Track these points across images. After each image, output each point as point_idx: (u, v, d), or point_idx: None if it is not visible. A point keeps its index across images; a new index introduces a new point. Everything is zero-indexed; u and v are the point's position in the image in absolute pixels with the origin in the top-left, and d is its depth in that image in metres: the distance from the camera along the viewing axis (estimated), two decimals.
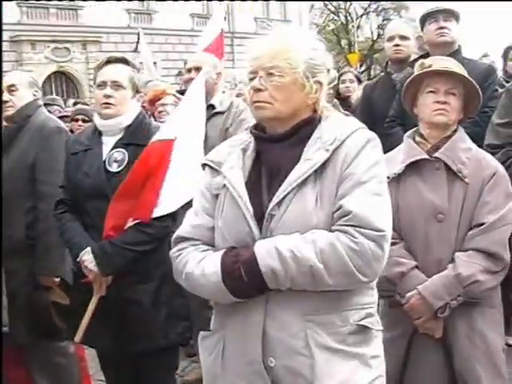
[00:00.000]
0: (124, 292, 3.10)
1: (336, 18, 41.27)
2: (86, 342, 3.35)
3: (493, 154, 3.18)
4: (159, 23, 31.42)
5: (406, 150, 2.95)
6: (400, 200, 2.88)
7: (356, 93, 6.37)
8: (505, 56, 5.68)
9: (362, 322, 2.10)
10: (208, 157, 2.31)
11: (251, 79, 2.16)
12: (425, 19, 4.55)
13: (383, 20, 38.26)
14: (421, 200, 2.85)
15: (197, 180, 2.40)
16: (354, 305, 2.10)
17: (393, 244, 2.71)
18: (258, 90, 2.13)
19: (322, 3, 40.52)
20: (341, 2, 40.29)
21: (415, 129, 3.02)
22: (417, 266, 2.83)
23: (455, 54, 4.35)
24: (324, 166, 2.07)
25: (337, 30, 40.59)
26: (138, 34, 16.01)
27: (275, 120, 2.16)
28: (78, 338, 3.17)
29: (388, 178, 2.79)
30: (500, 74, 5.87)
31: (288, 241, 2.00)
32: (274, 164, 2.15)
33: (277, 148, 2.15)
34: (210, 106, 4.39)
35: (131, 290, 3.12)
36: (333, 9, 40.95)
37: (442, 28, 4.38)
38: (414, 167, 2.89)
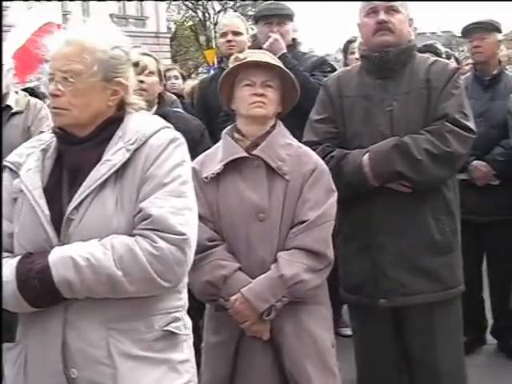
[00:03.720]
0: None
1: (194, 14, 41.24)
2: None
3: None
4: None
5: (225, 148, 2.88)
6: (220, 200, 2.83)
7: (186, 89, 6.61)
8: (345, 50, 5.75)
9: (168, 328, 2.06)
10: (8, 158, 2.17)
11: (50, 80, 2.05)
12: (259, 18, 4.53)
13: (254, 17, 38.45)
14: (241, 199, 2.79)
15: None
16: (160, 310, 2.05)
17: (215, 246, 2.70)
18: (55, 96, 2.03)
19: None
20: None
21: (234, 125, 2.95)
22: (240, 268, 2.77)
23: (290, 48, 4.38)
24: (125, 166, 2.00)
25: (195, 26, 40.57)
26: None
27: (75, 126, 2.07)
28: None
29: (206, 178, 2.74)
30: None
31: (84, 248, 1.92)
32: (74, 166, 2.06)
33: (78, 149, 2.06)
34: (7, 107, 4.31)
35: None
36: (190, 5, 40.85)
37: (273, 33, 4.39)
38: (233, 166, 2.82)
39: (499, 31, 4.63)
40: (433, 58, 3.32)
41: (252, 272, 2.75)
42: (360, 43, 4.25)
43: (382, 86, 3.17)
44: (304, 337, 2.79)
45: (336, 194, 2.87)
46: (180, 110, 4.38)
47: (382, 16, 3.14)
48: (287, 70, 2.90)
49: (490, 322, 4.79)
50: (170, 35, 37.93)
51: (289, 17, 4.50)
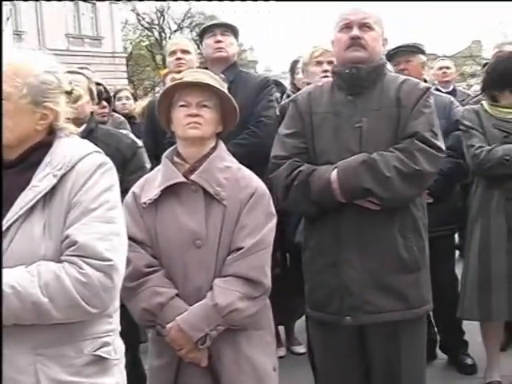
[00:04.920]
0: None
1: (150, 33, 41.22)
2: None
3: (279, 165, 3.20)
4: (33, 44, 29.95)
5: (164, 173, 2.84)
6: (158, 226, 2.79)
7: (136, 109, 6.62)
8: (291, 70, 5.82)
9: (97, 352, 2.04)
10: None
11: None
12: (203, 33, 4.55)
13: (197, 35, 38.58)
14: (178, 225, 2.75)
15: None
16: (89, 335, 2.03)
17: (153, 272, 2.68)
18: None
19: (135, 19, 40.37)
20: (154, 18, 40.34)
21: (174, 147, 2.92)
22: (178, 294, 2.74)
23: (232, 67, 4.39)
24: (53, 192, 1.99)
25: (151, 46, 40.51)
26: None
27: (5, 147, 2.04)
28: None
29: (145, 203, 2.72)
30: (289, 87, 6.02)
31: (10, 275, 1.88)
32: (4, 192, 2.00)
33: (7, 174, 2.03)
34: None
35: None
36: (146, 25, 40.84)
37: (218, 42, 4.40)
38: (171, 191, 2.79)
39: (423, 53, 4.76)
40: (403, 77, 3.31)
41: (188, 299, 2.72)
42: (303, 63, 4.32)
43: (352, 102, 3.16)
44: (243, 363, 2.77)
45: (275, 217, 2.85)
46: (112, 129, 4.34)
47: (356, 32, 3.15)
48: (224, 90, 2.87)
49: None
50: (126, 55, 37.91)
51: (232, 29, 4.52)
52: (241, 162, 2.96)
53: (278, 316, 3.63)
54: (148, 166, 4.07)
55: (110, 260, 1.94)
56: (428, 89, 3.25)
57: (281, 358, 4.73)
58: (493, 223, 4.08)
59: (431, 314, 4.29)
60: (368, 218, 3.08)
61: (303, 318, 4.37)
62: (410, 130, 3.09)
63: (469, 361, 4.68)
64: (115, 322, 2.14)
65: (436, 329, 4.78)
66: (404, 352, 3.17)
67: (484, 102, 4.18)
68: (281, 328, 5.14)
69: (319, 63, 4.25)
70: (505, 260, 4.02)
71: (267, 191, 2.88)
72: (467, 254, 4.26)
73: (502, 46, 5.98)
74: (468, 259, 4.23)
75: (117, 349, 2.13)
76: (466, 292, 4.20)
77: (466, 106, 4.33)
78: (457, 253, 6.11)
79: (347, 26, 3.18)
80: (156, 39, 40.72)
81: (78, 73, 3.74)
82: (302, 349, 4.98)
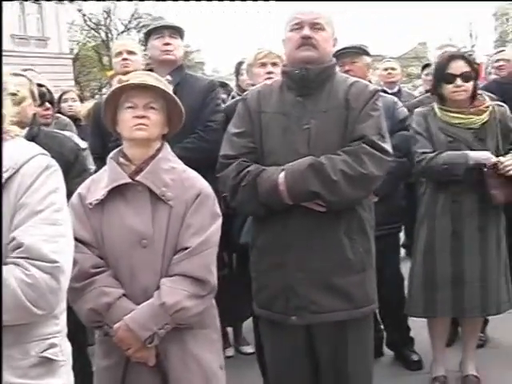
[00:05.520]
0: None
1: (96, 34, 40.81)
2: None
3: (228, 164, 3.21)
4: None
5: (110, 174, 2.84)
6: (104, 226, 2.79)
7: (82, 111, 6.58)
8: (236, 71, 5.85)
9: (44, 354, 2.03)
10: None
11: None
12: (150, 34, 4.53)
13: (145, 35, 38.32)
14: (124, 226, 2.75)
15: None
16: (35, 336, 2.02)
17: (100, 273, 2.67)
18: None
19: (82, 19, 39.93)
20: (101, 19, 39.97)
21: (119, 149, 2.92)
22: (125, 294, 2.73)
23: (178, 70, 4.38)
24: None
25: (97, 47, 40.10)
26: None
27: None
28: None
29: (91, 204, 2.71)
30: (235, 89, 6.04)
31: None
32: None
33: None
34: None
35: None
36: (93, 25, 40.42)
37: (167, 44, 4.38)
38: (117, 191, 2.79)
39: (368, 54, 4.83)
40: (353, 79, 3.33)
41: (136, 299, 2.72)
42: (248, 65, 4.34)
43: (301, 103, 3.17)
44: (189, 361, 2.79)
45: (221, 217, 2.87)
46: (56, 131, 4.30)
47: (307, 31, 3.16)
48: (170, 92, 2.89)
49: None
50: (72, 56, 37.43)
51: (180, 32, 4.51)
52: (188, 166, 2.97)
53: (226, 317, 3.65)
54: (92, 168, 4.04)
55: (56, 262, 1.93)
56: (377, 91, 3.29)
57: (229, 358, 4.77)
58: (438, 225, 4.16)
59: (377, 311, 4.37)
60: (315, 219, 3.11)
61: (251, 318, 4.38)
62: (358, 132, 3.11)
63: (415, 357, 4.77)
64: (62, 324, 2.13)
65: (382, 326, 4.86)
66: (351, 350, 3.22)
67: (435, 105, 4.23)
68: (229, 329, 5.17)
69: (263, 65, 4.27)
70: (449, 260, 4.11)
71: (212, 192, 2.89)
72: (414, 254, 4.35)
73: (443, 48, 6.08)
74: (415, 259, 4.31)
75: (64, 350, 2.13)
76: (413, 290, 4.29)
77: (418, 109, 4.39)
78: (403, 251, 6.24)
79: (298, 26, 3.20)
80: (103, 40, 40.31)
81: (20, 75, 3.69)
82: (250, 349, 5.00)
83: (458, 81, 4.05)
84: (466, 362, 4.43)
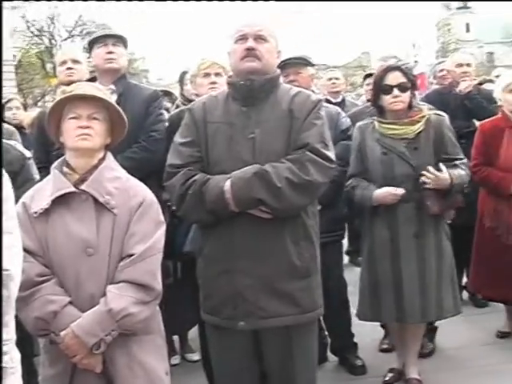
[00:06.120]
0: None
1: (40, 41, 40.22)
2: None
3: (175, 173, 3.24)
4: None
5: (54, 183, 2.87)
6: (49, 235, 2.80)
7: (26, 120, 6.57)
8: (180, 81, 5.86)
9: None
10: None
11: None
12: (93, 43, 4.53)
13: (88, 43, 37.96)
14: (69, 234, 2.78)
15: None
16: None
17: (45, 281, 2.68)
18: None
19: (25, 25, 39.31)
20: (44, 25, 39.41)
21: (63, 158, 2.95)
22: (71, 302, 2.75)
23: (121, 79, 4.40)
24: None
25: (41, 53, 39.53)
26: None
27: None
28: None
29: (36, 213, 2.72)
30: (179, 97, 6.04)
31: None
32: None
33: None
34: None
35: None
36: (36, 32, 39.83)
37: (110, 53, 4.39)
38: (62, 200, 2.82)
39: (312, 65, 4.92)
40: (296, 89, 3.38)
41: (82, 306, 2.75)
42: (192, 75, 4.37)
43: (246, 113, 3.22)
44: (135, 367, 2.82)
45: (164, 225, 2.93)
46: (4, 141, 4.27)
47: (251, 43, 3.22)
48: (113, 103, 2.95)
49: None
50: (15, 63, 36.80)
51: (123, 40, 4.52)
52: (131, 175, 3.01)
53: (172, 325, 3.66)
54: (37, 177, 4.02)
55: (6, 270, 1.96)
56: (319, 101, 3.35)
57: (175, 365, 4.78)
58: (377, 233, 4.30)
59: (321, 317, 4.44)
60: (260, 226, 3.15)
61: (197, 325, 4.41)
62: (302, 141, 3.17)
63: (359, 362, 4.83)
64: (11, 332, 2.14)
65: (326, 332, 4.93)
66: (297, 355, 3.27)
67: (375, 117, 4.34)
68: (175, 336, 5.18)
69: (207, 75, 4.33)
70: (389, 268, 4.22)
71: (155, 200, 2.94)
72: (362, 262, 4.51)
73: (386, 59, 6.22)
74: (363, 265, 4.47)
75: (13, 358, 2.14)
76: (361, 296, 4.41)
77: (359, 122, 4.50)
78: (346, 258, 6.33)
79: (242, 38, 3.26)
80: (46, 47, 39.77)
81: None
82: (195, 356, 5.02)
83: (395, 91, 4.16)
84: (409, 367, 4.50)
